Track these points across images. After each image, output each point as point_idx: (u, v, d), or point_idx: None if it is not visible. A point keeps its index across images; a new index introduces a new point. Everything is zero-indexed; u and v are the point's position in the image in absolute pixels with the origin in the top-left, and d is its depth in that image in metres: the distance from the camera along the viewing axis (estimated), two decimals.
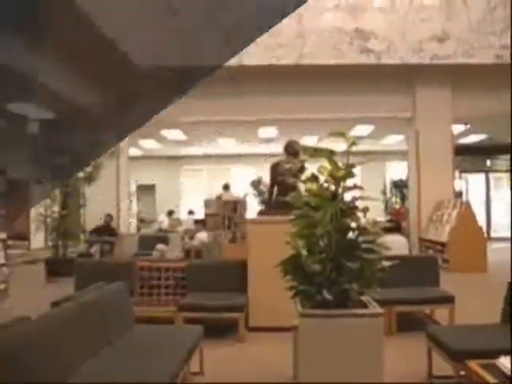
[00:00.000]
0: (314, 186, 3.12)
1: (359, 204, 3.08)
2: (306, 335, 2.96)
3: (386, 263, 3.09)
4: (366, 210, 3.01)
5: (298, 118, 12.51)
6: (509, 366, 3.27)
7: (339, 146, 3.21)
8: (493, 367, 3.36)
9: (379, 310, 2.94)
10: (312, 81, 12.04)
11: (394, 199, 15.99)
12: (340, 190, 3.07)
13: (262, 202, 5.87)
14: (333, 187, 3.09)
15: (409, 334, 5.59)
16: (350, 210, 3.00)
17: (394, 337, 5.64)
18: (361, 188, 3.08)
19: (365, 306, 3.04)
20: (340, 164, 3.07)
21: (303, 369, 2.97)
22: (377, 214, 15.10)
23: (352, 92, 12.22)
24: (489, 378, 3.26)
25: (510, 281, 4.44)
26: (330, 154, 3.06)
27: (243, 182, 18.49)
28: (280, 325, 5.20)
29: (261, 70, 11.26)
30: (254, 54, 10.90)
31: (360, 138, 16.31)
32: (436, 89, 12.50)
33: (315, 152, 3.14)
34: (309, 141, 15.25)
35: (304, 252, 2.93)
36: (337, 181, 3.04)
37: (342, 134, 3.03)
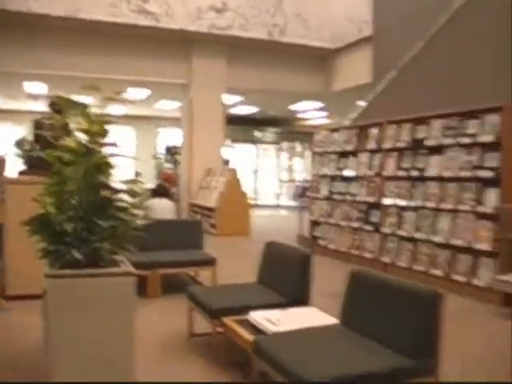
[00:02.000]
0: (70, 142, 2.95)
1: (122, 164, 2.99)
2: (53, 297, 2.80)
3: (141, 222, 3.06)
4: (118, 167, 2.93)
5: (68, 75, 11.85)
6: (257, 319, 3.54)
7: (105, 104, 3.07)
8: (245, 321, 3.65)
9: (131, 269, 2.90)
10: (88, 37, 11.53)
11: (165, 164, 16.14)
12: (95, 146, 2.94)
13: (25, 161, 5.49)
14: (88, 143, 2.95)
15: (173, 296, 5.68)
16: (105, 166, 2.90)
17: (159, 299, 5.71)
18: (116, 145, 2.99)
19: (117, 265, 2.97)
20: (96, 119, 2.94)
21: (53, 332, 2.82)
22: (149, 178, 15.14)
23: (127, 53, 11.94)
24: (240, 330, 3.53)
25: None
26: (84, 108, 2.91)
27: (8, 141, 17.10)
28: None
29: (26, 18, 10.46)
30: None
31: (134, 101, 16.09)
32: (212, 58, 12.78)
33: (67, 104, 2.97)
34: (80, 99, 14.56)
35: (52, 209, 2.77)
36: (92, 136, 2.91)
37: (96, 89, 2.89)
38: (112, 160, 2.96)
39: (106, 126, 2.94)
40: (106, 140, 3.00)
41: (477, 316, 5.35)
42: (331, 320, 3.58)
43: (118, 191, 2.98)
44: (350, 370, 2.70)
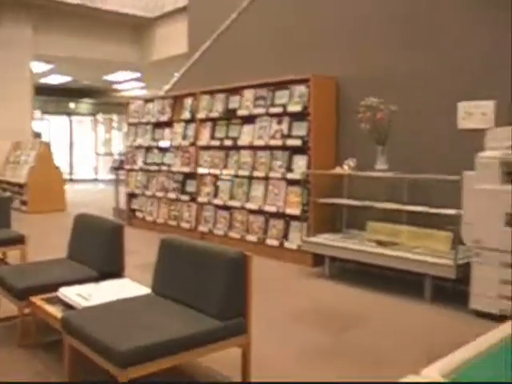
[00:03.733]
0: None
1: None
2: None
3: None
4: None
5: None
6: (68, 295, 3.32)
7: None
8: (55, 299, 3.39)
9: None
10: None
11: None
12: None
13: None
14: None
15: None
16: None
17: None
18: None
19: None
20: None
21: None
22: None
23: None
24: (50, 309, 3.26)
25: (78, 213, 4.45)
26: None
27: None
28: None
29: None
30: None
31: None
32: (17, 24, 11.70)
33: None
34: None
35: None
36: None
37: None
38: None
39: None
40: None
41: (290, 277, 5.53)
42: (144, 290, 3.45)
43: None
44: (159, 337, 2.61)
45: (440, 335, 3.82)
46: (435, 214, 4.78)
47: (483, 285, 4.11)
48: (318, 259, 5.75)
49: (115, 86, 19.26)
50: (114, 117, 22.31)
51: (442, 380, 1.08)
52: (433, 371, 1.12)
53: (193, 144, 7.61)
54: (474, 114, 4.93)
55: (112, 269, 3.87)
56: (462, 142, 4.89)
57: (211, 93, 7.37)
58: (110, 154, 21.17)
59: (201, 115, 7.46)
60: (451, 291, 4.74)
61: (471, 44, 4.94)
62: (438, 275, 4.51)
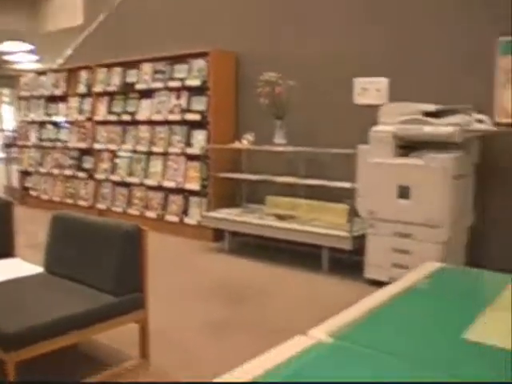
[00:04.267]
0: None
1: None
2: None
3: None
4: None
5: None
6: None
7: None
8: None
9: None
10: None
11: None
12: None
13: None
14: None
15: None
16: None
17: None
18: None
19: None
20: None
21: None
22: None
23: None
24: None
25: None
26: None
27: None
28: None
29: None
30: None
31: None
32: None
33: None
34: None
35: None
36: None
37: None
38: None
39: None
40: None
41: (190, 252, 5.44)
42: (36, 269, 3.25)
43: None
44: (50, 316, 2.47)
45: (335, 302, 3.88)
46: (332, 187, 4.86)
47: (377, 254, 4.23)
48: (218, 234, 5.70)
49: (6, 58, 18.12)
50: (5, 91, 21.03)
51: (327, 339, 1.09)
52: (319, 331, 1.13)
53: (89, 119, 7.28)
54: (369, 89, 5.03)
55: (2, 249, 3.61)
56: (357, 117, 4.99)
57: (108, 66, 7.06)
58: (2, 130, 19.98)
59: (97, 89, 7.14)
60: (348, 262, 4.86)
61: (369, 26, 5.02)
62: (335, 247, 4.60)
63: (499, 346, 1.09)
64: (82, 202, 7.40)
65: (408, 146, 4.19)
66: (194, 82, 5.95)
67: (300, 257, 5.11)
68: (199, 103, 5.94)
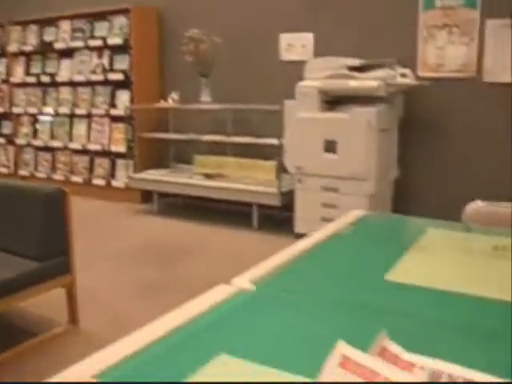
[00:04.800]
0: None
1: None
2: None
3: None
4: None
5: None
6: None
7: None
8: None
9: None
10: None
11: None
12: None
13: None
14: None
15: None
16: None
17: None
18: None
19: None
20: None
21: None
22: None
23: None
24: None
25: None
26: None
27: None
28: None
29: None
30: None
31: None
32: None
33: None
34: None
35: None
36: None
37: None
38: None
39: None
40: None
41: (118, 215, 5.28)
42: None
43: None
44: None
45: (264, 257, 3.87)
46: (260, 144, 4.81)
47: (305, 209, 4.23)
48: (146, 196, 5.57)
49: None
50: None
51: (250, 286, 1.06)
52: (242, 279, 1.10)
53: (5, 81, 6.87)
54: (295, 45, 4.96)
55: None
56: (284, 73, 4.92)
57: (23, 24, 6.64)
58: None
59: (12, 49, 6.73)
60: (278, 218, 4.85)
61: None
62: (265, 203, 4.58)
63: (416, 284, 1.10)
64: (2, 169, 7.04)
65: (334, 101, 4.18)
66: (116, 41, 5.70)
67: (230, 215, 5.07)
68: (122, 62, 5.71)
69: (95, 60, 5.92)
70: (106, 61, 5.83)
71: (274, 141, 4.57)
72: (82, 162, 6.15)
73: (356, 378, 0.70)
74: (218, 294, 1.05)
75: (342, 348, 0.75)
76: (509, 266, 1.23)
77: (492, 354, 0.83)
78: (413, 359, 0.76)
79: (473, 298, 1.05)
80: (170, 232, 4.71)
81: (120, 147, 5.72)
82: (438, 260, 1.30)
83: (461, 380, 0.71)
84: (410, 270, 1.22)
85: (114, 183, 5.84)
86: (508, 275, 1.18)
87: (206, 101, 5.09)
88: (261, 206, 4.65)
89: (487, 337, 0.89)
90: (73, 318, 2.81)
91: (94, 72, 5.92)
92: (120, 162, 5.81)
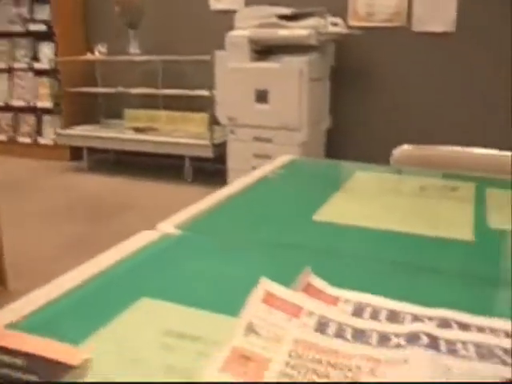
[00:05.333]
0: None
1: None
2: None
3: None
4: None
5: None
6: None
7: None
8: None
9: None
10: None
11: None
12: None
13: None
14: None
15: None
16: None
17: None
18: None
19: None
20: None
21: None
22: None
23: None
24: None
25: None
26: None
27: None
28: None
29: None
30: None
31: None
32: None
33: None
34: None
35: None
36: None
37: None
38: None
39: None
40: None
41: (46, 174, 5.07)
42: None
43: None
44: None
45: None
46: (191, 96, 4.70)
47: (238, 160, 4.19)
48: (75, 153, 5.37)
49: None
50: None
51: (175, 231, 1.01)
52: (167, 224, 1.05)
53: None
54: None
55: None
56: (214, 23, 4.78)
57: None
58: None
59: None
60: (211, 170, 4.80)
61: None
62: (197, 156, 4.51)
63: (344, 223, 1.10)
64: None
65: (265, 51, 4.11)
66: None
67: (163, 169, 4.97)
68: (43, 12, 5.39)
69: (13, 9, 5.56)
70: (25, 10, 5.49)
71: (205, 92, 4.47)
72: (4, 119, 5.83)
73: (279, 314, 0.67)
74: (140, 240, 1.00)
75: (266, 284, 0.72)
76: (434, 205, 1.25)
77: (418, 286, 0.83)
78: (337, 293, 0.75)
79: (399, 235, 1.05)
80: (102, 188, 4.58)
81: (46, 103, 5.46)
82: (366, 200, 1.29)
83: (384, 311, 0.70)
84: (338, 211, 1.20)
85: (41, 140, 5.59)
86: (434, 213, 1.19)
87: (135, 52, 4.91)
88: (193, 159, 4.58)
89: (415, 270, 0.89)
90: (0, 279, 2.70)
91: (12, 22, 5.56)
92: (47, 119, 5.56)
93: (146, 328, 0.67)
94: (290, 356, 0.60)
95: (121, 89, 5.06)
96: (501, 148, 1.79)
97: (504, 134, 3.98)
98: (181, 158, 4.60)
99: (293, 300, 0.70)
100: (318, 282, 0.76)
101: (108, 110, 5.48)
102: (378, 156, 1.87)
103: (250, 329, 0.64)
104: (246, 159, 4.14)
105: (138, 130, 4.92)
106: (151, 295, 0.76)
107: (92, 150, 5.19)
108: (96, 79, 5.43)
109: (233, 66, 4.05)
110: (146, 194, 4.38)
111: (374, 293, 0.74)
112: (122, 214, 3.88)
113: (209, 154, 4.38)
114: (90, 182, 4.79)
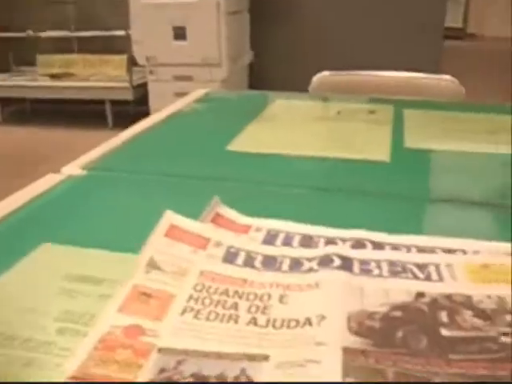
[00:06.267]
0: None
1: None
2: None
3: None
4: None
5: None
6: None
7: None
8: None
9: None
10: None
11: None
12: None
13: None
14: None
15: None
16: None
17: None
18: None
19: None
20: None
21: None
22: None
23: None
24: None
25: None
26: None
27: None
28: None
29: None
30: None
31: None
32: None
33: None
34: None
35: None
36: None
37: None
38: None
39: None
40: None
41: None
42: None
43: None
44: None
45: None
46: (107, 37, 4.47)
47: (159, 101, 4.04)
48: None
49: None
50: None
51: (81, 172, 0.94)
52: (73, 166, 0.97)
53: None
54: None
55: None
56: None
57: None
58: None
59: None
60: (133, 113, 4.62)
61: None
62: (117, 99, 4.33)
63: (260, 152, 1.06)
64: None
65: None
66: None
67: (84, 116, 4.75)
68: None
69: None
70: None
71: (121, 32, 4.26)
72: None
73: (183, 246, 0.62)
74: (43, 185, 0.92)
75: (170, 217, 0.66)
76: (351, 128, 1.22)
77: (335, 209, 0.80)
78: (249, 222, 0.70)
79: (315, 160, 1.01)
80: (20, 141, 4.34)
81: None
82: (283, 128, 1.25)
83: (297, 237, 0.66)
84: (253, 140, 1.15)
85: None
86: (351, 136, 1.16)
87: None
88: (114, 103, 4.39)
89: (331, 194, 0.86)
90: None
91: None
92: None
93: (45, 274, 0.61)
94: (194, 289, 0.55)
95: (30, 33, 4.74)
96: (425, 71, 1.78)
97: (428, 57, 3.99)
98: (101, 102, 4.40)
99: (199, 231, 0.65)
100: (228, 212, 0.71)
101: (19, 56, 5.13)
102: (303, 87, 1.82)
103: (152, 265, 0.59)
104: (167, 99, 3.98)
105: (53, 76, 4.65)
106: (53, 240, 0.69)
107: (5, 101, 4.88)
108: (3, 23, 5.05)
109: (147, 2, 3.84)
110: (67, 142, 4.19)
111: (290, 219, 0.70)
112: (41, 166, 3.69)
113: (129, 96, 4.22)
114: (6, 135, 4.52)
